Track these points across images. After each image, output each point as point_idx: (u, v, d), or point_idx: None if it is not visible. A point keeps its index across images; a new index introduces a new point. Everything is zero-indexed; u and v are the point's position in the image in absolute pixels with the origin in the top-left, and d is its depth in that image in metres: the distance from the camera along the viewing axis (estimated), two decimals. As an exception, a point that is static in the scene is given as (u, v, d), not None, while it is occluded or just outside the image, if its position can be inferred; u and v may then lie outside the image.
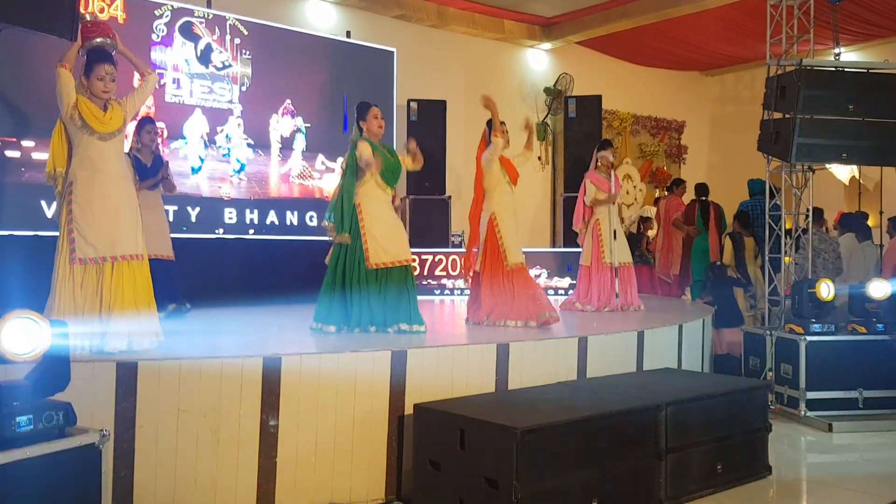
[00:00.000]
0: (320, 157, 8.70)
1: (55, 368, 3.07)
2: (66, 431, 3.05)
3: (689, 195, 10.49)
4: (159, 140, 6.78)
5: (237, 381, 3.97)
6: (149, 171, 6.36)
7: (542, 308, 5.91)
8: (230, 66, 8.08)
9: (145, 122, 6.50)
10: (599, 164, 7.57)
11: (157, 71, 7.32)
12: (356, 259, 5.32)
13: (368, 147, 5.34)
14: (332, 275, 5.38)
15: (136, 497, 3.77)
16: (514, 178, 6.23)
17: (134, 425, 3.78)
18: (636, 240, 11.21)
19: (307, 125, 8.58)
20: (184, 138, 7.76)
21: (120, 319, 4.17)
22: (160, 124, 7.29)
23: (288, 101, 8.45)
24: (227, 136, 8.03)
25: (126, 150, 6.34)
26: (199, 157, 7.83)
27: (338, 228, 5.42)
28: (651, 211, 11.92)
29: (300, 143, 8.55)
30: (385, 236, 5.35)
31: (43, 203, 6.75)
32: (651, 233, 11.68)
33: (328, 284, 5.38)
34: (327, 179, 8.68)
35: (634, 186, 13.21)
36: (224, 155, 8.03)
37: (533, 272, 8.97)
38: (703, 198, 10.16)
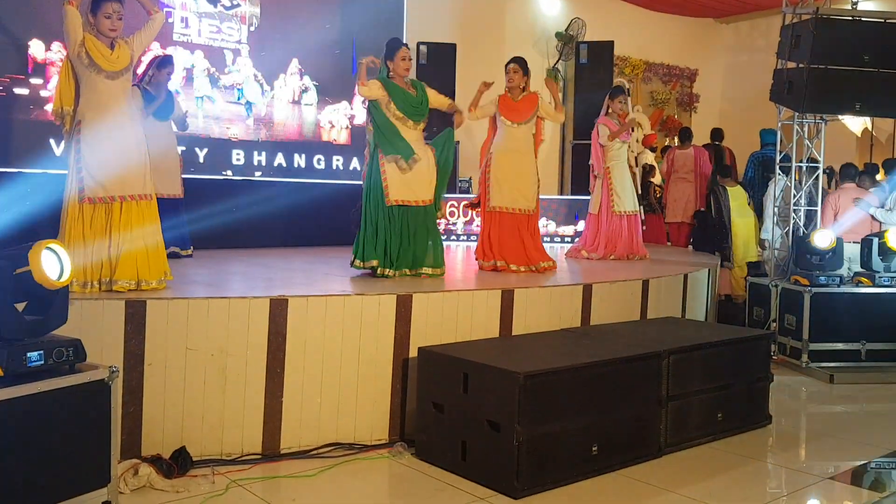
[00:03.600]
0: (328, 100, 8.63)
1: (56, 304, 3.11)
2: (76, 367, 3.11)
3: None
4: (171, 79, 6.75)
5: (244, 322, 4.01)
6: (160, 103, 6.35)
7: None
8: (238, 5, 7.98)
9: (167, 63, 6.47)
10: (610, 111, 7.50)
11: (165, 9, 7.25)
12: (379, 196, 5.32)
13: (374, 86, 5.33)
14: (362, 213, 5.42)
15: (145, 433, 3.84)
16: (511, 117, 6.07)
17: (143, 363, 3.83)
18: (644, 189, 11.04)
19: (315, 71, 8.48)
20: (191, 77, 7.70)
21: (128, 258, 4.20)
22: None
23: (295, 59, 8.33)
24: (234, 77, 7.97)
25: (136, 81, 6.36)
26: (205, 97, 7.78)
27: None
28: (650, 157, 11.75)
29: (309, 87, 8.48)
30: (404, 173, 5.34)
31: (52, 141, 6.73)
32: (655, 180, 11.59)
33: (362, 223, 5.41)
34: (335, 121, 8.62)
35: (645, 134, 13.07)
36: (233, 96, 7.97)
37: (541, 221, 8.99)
38: (717, 143, 10.12)
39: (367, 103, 5.47)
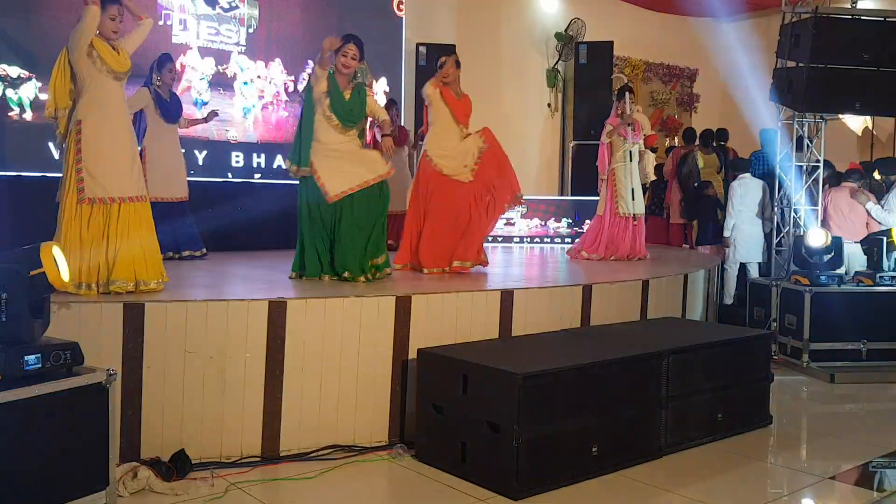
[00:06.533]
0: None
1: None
2: (73, 370, 3.10)
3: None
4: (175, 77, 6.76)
5: (243, 324, 4.01)
6: (169, 105, 6.37)
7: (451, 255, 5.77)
8: (237, 7, 7.98)
9: (166, 60, 6.46)
10: (619, 111, 7.48)
11: (164, 12, 7.31)
12: (318, 198, 5.15)
13: (323, 77, 5.09)
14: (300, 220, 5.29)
15: (144, 435, 3.84)
16: (460, 117, 5.97)
17: (141, 366, 3.82)
18: (662, 190, 10.84)
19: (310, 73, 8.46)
20: (192, 79, 7.70)
21: (126, 259, 4.19)
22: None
23: (294, 61, 8.32)
24: (233, 79, 7.97)
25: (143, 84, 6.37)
26: (203, 101, 7.77)
27: (295, 162, 5.22)
28: (651, 157, 11.69)
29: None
30: (335, 166, 5.11)
31: (50, 144, 6.72)
32: None
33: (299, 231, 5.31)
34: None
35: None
36: (232, 98, 7.96)
37: (537, 220, 8.97)
38: (722, 143, 10.12)
39: (304, 94, 5.10)
